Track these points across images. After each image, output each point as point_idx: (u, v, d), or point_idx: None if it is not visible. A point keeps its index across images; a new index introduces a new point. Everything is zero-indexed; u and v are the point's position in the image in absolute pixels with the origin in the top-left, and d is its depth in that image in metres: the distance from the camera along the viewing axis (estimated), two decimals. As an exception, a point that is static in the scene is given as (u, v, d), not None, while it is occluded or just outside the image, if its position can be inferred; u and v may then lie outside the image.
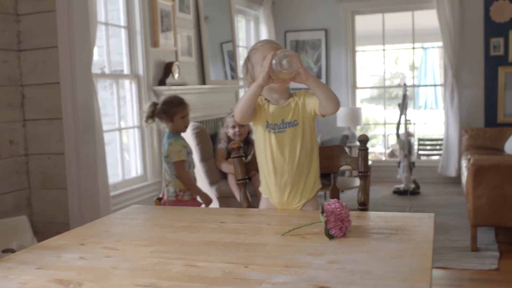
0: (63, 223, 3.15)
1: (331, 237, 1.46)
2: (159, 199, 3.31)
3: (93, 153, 3.11)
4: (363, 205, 2.13)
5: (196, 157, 4.00)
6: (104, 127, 3.33)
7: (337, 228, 1.46)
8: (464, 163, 5.28)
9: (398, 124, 6.09)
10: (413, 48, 7.03)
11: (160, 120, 3.27)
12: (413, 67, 8.23)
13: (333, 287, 1.12)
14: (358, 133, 7.09)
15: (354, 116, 6.63)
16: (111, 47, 4.20)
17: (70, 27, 2.98)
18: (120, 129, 4.15)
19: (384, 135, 8.20)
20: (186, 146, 3.28)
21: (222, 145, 4.25)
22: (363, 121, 7.17)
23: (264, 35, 6.86)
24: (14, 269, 1.36)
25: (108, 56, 4.01)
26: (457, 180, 6.34)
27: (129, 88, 4.27)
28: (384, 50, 7.21)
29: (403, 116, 6.05)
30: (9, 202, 3.15)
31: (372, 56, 10.06)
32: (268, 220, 1.76)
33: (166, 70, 4.57)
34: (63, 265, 1.37)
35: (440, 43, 6.61)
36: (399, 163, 6.21)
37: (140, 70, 4.27)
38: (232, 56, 6.04)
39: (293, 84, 1.97)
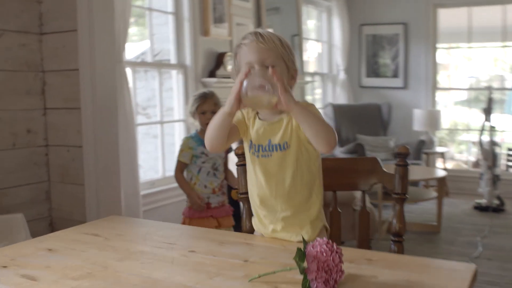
0: (80, 221, 2.90)
1: (312, 291, 1.04)
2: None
3: (114, 147, 2.83)
4: (398, 236, 1.66)
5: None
6: (146, 120, 3.10)
7: (321, 281, 1.03)
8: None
9: (482, 130, 5.39)
10: (504, 46, 6.22)
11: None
12: None
13: None
14: (436, 139, 6.42)
15: (433, 120, 5.99)
16: (160, 35, 3.94)
17: (90, 9, 2.71)
18: (162, 123, 3.87)
19: (470, 142, 7.41)
20: (192, 148, 2.94)
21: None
22: (451, 125, 6.48)
23: (337, 28, 6.36)
24: None
25: (152, 44, 3.74)
26: (550, 198, 5.51)
27: (175, 79, 3.99)
28: (470, 48, 6.46)
29: (487, 122, 5.34)
30: (26, 195, 2.96)
31: (456, 54, 9.18)
32: (249, 254, 1.34)
33: (218, 61, 4.24)
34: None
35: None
36: (481, 174, 5.50)
37: (188, 60, 3.97)
38: (298, 49, 5.64)
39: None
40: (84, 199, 2.90)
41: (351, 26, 6.48)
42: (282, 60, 1.44)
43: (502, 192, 5.56)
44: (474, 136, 7.32)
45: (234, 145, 2.14)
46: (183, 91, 4.00)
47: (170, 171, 3.98)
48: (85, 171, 2.88)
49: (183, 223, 2.99)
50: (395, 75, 6.53)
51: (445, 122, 6.75)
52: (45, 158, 3.08)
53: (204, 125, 2.87)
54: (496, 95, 5.52)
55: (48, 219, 3.12)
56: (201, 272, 1.19)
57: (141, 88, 4.27)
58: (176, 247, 1.39)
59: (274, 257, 1.32)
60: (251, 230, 1.66)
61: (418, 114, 6.01)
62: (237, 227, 2.69)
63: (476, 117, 7.69)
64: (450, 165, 6.93)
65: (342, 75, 6.50)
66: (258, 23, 4.85)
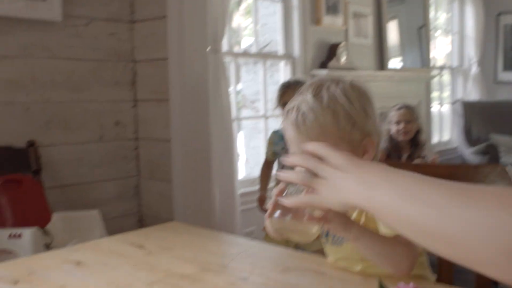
0: (168, 219, 2.78)
1: None
2: None
3: (205, 142, 2.65)
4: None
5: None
6: (252, 114, 2.90)
7: None
8: None
9: None
10: None
11: None
12: None
13: None
14: None
15: None
16: (269, 26, 3.73)
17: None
18: (266, 117, 3.66)
19: None
20: (274, 143, 2.67)
21: (381, 144, 3.47)
22: None
23: (469, 17, 5.73)
24: None
25: (257, 35, 3.54)
26: None
27: (283, 71, 3.76)
28: None
29: None
30: (113, 189, 2.89)
31: None
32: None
33: (331, 52, 3.93)
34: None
35: None
36: None
37: (296, 51, 3.72)
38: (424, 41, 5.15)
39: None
40: (172, 196, 2.76)
41: (486, 15, 5.79)
42: (339, 139, 1.06)
43: None
44: None
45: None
46: (291, 83, 3.75)
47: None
48: (173, 167, 2.74)
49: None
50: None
51: None
52: (135, 152, 2.99)
53: (285, 116, 2.62)
54: None
55: (137, 215, 3.03)
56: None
57: (250, 81, 4.10)
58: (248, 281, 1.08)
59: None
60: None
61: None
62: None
63: None
64: None
65: (474, 69, 5.85)
66: (379, 13, 4.46)
